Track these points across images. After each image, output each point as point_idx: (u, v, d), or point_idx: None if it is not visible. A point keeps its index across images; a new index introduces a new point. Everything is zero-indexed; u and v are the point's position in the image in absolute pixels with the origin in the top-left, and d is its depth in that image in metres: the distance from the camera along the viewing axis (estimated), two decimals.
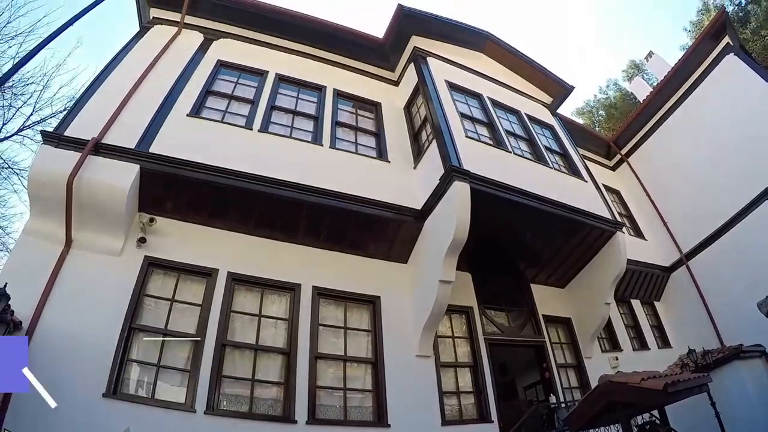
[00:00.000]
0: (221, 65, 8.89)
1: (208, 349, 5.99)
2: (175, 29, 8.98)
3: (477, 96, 10.14)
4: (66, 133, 6.38)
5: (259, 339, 6.55)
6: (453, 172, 7.30)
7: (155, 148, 6.75)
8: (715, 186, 11.63)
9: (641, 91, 17.97)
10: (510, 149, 9.05)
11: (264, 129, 7.97)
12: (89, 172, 6.10)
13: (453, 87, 9.74)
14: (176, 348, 6.02)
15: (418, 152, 8.99)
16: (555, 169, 9.62)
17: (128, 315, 5.83)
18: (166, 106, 7.44)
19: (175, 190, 6.76)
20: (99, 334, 5.54)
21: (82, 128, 6.48)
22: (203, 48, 9.01)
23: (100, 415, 5.09)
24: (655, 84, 16.76)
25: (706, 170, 12.06)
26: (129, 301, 5.94)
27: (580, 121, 24.29)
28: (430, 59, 10.14)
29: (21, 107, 13.87)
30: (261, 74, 9.07)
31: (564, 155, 10.44)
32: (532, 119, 10.70)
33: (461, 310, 8.42)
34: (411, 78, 10.12)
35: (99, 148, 6.37)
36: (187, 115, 7.54)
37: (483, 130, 9.31)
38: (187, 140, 7.09)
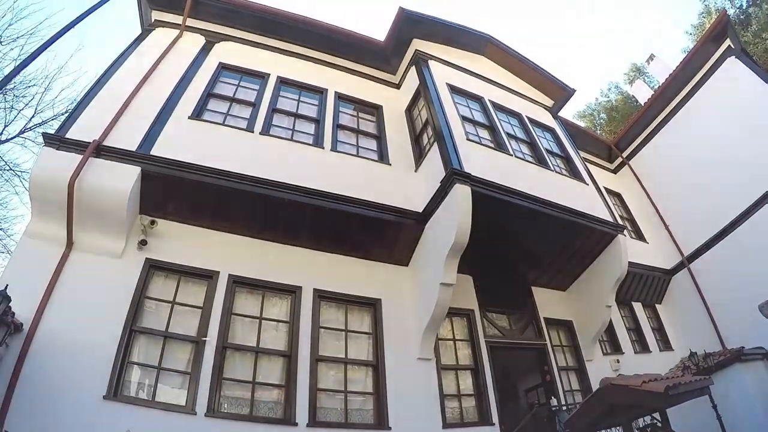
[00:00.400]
0: (223, 68, 8.90)
1: (208, 352, 5.99)
2: (176, 32, 9.00)
3: (478, 99, 10.15)
4: (67, 136, 6.39)
5: (260, 341, 6.54)
6: (454, 175, 7.30)
7: (156, 151, 6.76)
8: (717, 188, 11.62)
9: (642, 93, 17.96)
10: (511, 152, 9.05)
11: (265, 132, 7.97)
12: (90, 175, 6.11)
13: (454, 90, 9.74)
14: (177, 350, 6.02)
15: (419, 155, 8.99)
16: (556, 171, 9.61)
17: (129, 317, 5.84)
18: (167, 109, 7.46)
19: (176, 192, 6.76)
20: (100, 336, 5.54)
21: (84, 130, 6.49)
22: (205, 51, 9.03)
23: (101, 417, 5.08)
24: (656, 87, 16.76)
25: (707, 173, 12.05)
26: (130, 303, 5.95)
27: (581, 123, 24.29)
28: (431, 62, 10.16)
29: (23, 109, 13.94)
30: (262, 77, 9.09)
31: (565, 158, 10.44)
32: (533, 122, 10.70)
33: (462, 313, 8.41)
34: (412, 81, 10.14)
35: (100, 150, 6.38)
36: (189, 118, 7.55)
37: (484, 133, 9.31)
38: (188, 143, 7.10)
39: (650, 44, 42.85)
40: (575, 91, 12.06)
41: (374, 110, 9.97)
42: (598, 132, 26.30)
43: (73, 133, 6.45)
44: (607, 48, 54.49)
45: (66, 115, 9.21)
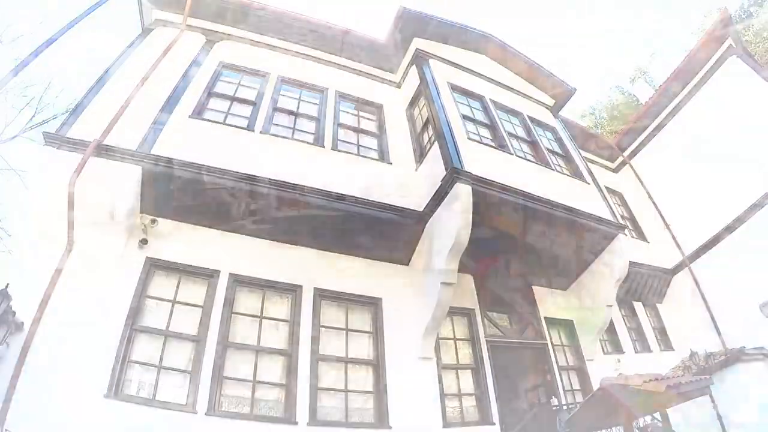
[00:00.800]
0: (223, 67, 8.89)
1: (209, 350, 6.00)
2: (177, 31, 8.95)
3: (479, 98, 10.13)
4: (68, 135, 6.39)
5: (260, 340, 6.54)
6: (455, 174, 7.29)
7: (157, 150, 6.75)
8: (718, 188, 11.62)
9: (644, 93, 18.00)
10: (512, 151, 9.04)
11: (266, 131, 7.97)
12: (91, 174, 6.10)
13: (455, 89, 9.73)
14: (177, 349, 6.01)
15: (420, 154, 8.98)
16: (557, 171, 9.61)
17: (130, 316, 5.84)
18: (168, 108, 7.44)
19: (176, 191, 6.75)
20: (100, 334, 5.54)
21: (84, 130, 6.48)
22: (205, 49, 9.01)
23: (102, 416, 5.08)
24: (657, 86, 16.74)
25: (708, 172, 12.03)
26: (131, 302, 5.95)
27: (582, 123, 24.24)
28: (432, 61, 10.14)
29: (23, 109, 13.95)
30: (263, 76, 9.08)
31: (566, 157, 10.42)
32: (534, 121, 10.69)
33: (463, 313, 8.40)
34: (413, 80, 10.12)
35: (101, 149, 6.37)
36: (189, 117, 7.54)
37: (485, 132, 9.29)
38: (189, 142, 7.09)
39: (651, 44, 42.74)
40: (576, 90, 12.05)
41: (375, 109, 9.96)
42: (599, 131, 26.25)
43: (73, 133, 6.46)
44: (608, 48, 54.31)
45: (66, 114, 9.20)
